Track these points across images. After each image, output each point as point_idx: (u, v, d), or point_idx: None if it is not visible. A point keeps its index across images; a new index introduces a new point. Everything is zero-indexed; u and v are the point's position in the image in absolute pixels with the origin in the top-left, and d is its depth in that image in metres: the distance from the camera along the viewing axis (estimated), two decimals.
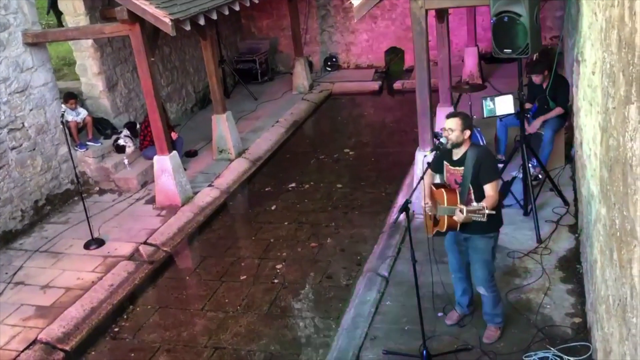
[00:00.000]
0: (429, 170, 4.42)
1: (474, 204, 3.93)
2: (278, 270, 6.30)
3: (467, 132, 4.19)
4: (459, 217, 3.98)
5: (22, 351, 5.27)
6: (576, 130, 6.00)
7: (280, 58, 13.35)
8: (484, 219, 3.84)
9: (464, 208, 3.91)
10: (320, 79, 12.58)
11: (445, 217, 4.15)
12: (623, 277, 2.72)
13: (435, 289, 4.56)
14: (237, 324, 5.53)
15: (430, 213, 4.32)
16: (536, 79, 6.80)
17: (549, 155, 6.82)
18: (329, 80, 12.50)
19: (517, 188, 6.37)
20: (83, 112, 8.50)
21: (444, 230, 4.22)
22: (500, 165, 6.65)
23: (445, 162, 4.34)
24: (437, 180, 4.53)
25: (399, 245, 6.06)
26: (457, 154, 4.25)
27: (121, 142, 8.58)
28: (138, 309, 6.00)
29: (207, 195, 7.95)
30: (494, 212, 3.93)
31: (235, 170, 8.66)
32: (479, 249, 4.32)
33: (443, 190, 4.22)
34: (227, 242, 7.09)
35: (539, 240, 5.71)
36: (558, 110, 6.80)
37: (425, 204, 4.31)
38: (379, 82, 12.25)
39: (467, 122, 4.23)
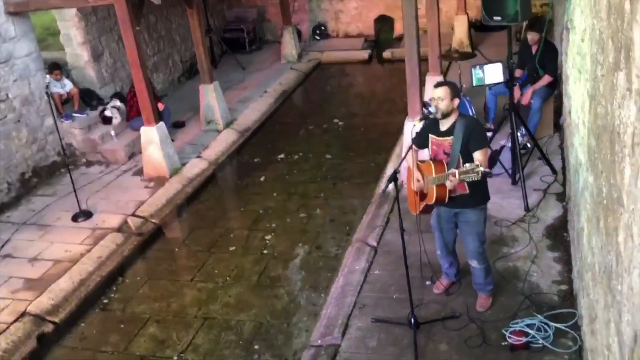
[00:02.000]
0: (413, 146, 4.39)
1: (466, 165, 3.88)
2: (267, 241, 6.30)
3: (456, 101, 4.16)
4: (452, 182, 3.94)
5: (12, 323, 5.26)
6: (565, 98, 5.98)
7: (268, 27, 13.17)
8: (479, 177, 3.79)
9: (456, 171, 3.87)
10: (308, 48, 12.44)
11: (434, 187, 4.13)
12: (609, 245, 2.72)
13: (423, 258, 4.56)
14: (227, 295, 5.55)
15: (417, 188, 4.29)
16: (532, 38, 6.69)
17: (538, 123, 6.80)
18: (318, 50, 12.37)
19: (506, 157, 6.36)
20: (69, 84, 8.36)
21: (433, 202, 4.19)
22: (489, 134, 6.63)
23: (430, 135, 4.29)
24: (424, 157, 4.49)
25: (388, 215, 6.07)
26: (445, 124, 4.21)
27: (107, 113, 8.47)
28: (127, 280, 5.99)
29: (195, 167, 7.90)
30: (489, 170, 3.90)
31: (223, 141, 8.60)
32: (471, 222, 4.32)
33: (430, 162, 4.20)
34: (216, 214, 7.07)
35: (527, 209, 5.73)
36: (547, 79, 6.76)
37: (416, 181, 4.27)
38: (369, 51, 12.13)
39: (456, 91, 4.19)
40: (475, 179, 3.80)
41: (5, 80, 7.33)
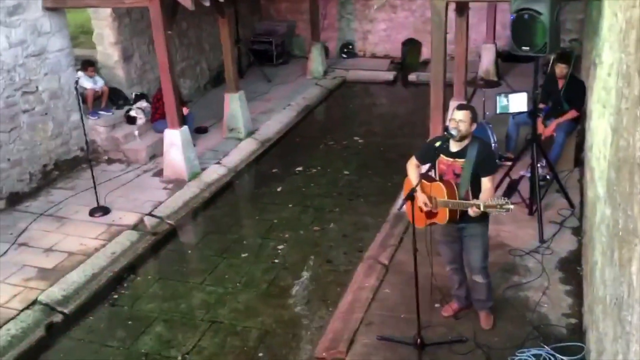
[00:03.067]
0: (414, 161, 4.44)
1: (493, 198, 3.96)
2: (279, 251, 6.35)
3: (474, 125, 4.24)
4: (475, 213, 4.02)
5: (22, 310, 5.35)
6: (587, 134, 6.00)
7: (297, 42, 13.33)
8: (508, 212, 3.89)
9: (481, 203, 3.95)
10: (335, 66, 12.55)
11: (447, 210, 4.18)
12: (622, 276, 2.74)
13: (434, 281, 4.59)
14: (235, 300, 5.59)
15: (426, 208, 4.32)
16: (561, 70, 6.71)
17: (559, 156, 6.81)
18: (344, 68, 12.48)
19: (524, 187, 6.36)
20: (100, 81, 8.54)
21: (445, 222, 4.25)
22: (509, 163, 6.65)
23: (441, 155, 4.33)
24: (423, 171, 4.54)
25: (402, 235, 6.09)
26: (458, 146, 4.28)
27: (132, 113, 8.62)
28: (138, 278, 6.07)
29: (214, 172, 7.99)
30: (512, 207, 3.95)
31: (243, 150, 8.70)
32: (477, 236, 4.37)
33: (440, 184, 4.25)
34: (231, 220, 7.14)
35: (542, 240, 5.73)
36: (572, 113, 6.78)
37: (425, 203, 4.29)
38: (394, 72, 12.20)
39: (476, 116, 4.30)
40: (504, 213, 3.88)
41: (36, 73, 7.52)
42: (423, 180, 4.33)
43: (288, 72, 12.21)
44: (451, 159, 4.29)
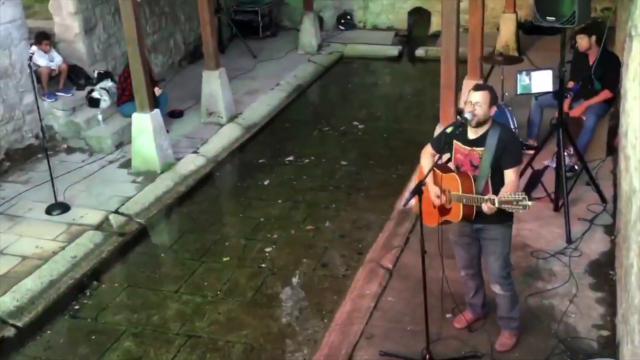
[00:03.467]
0: (430, 149, 4.43)
1: (510, 194, 3.94)
2: (267, 254, 6.35)
3: (493, 108, 4.21)
4: (489, 209, 4.00)
5: None
6: (622, 117, 6.00)
7: (287, 11, 13.29)
8: (525, 210, 3.88)
9: (496, 199, 3.93)
10: (330, 39, 12.53)
11: (461, 205, 4.17)
12: None
13: (445, 287, 4.59)
14: (216, 311, 5.59)
15: (438, 203, 4.32)
16: (581, 43, 6.71)
17: (589, 143, 6.82)
18: (341, 41, 12.46)
19: (548, 179, 6.37)
20: (58, 58, 8.48)
21: (458, 220, 4.23)
22: (531, 152, 6.65)
23: (456, 142, 4.33)
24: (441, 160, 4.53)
25: (408, 235, 6.09)
26: (476, 133, 4.25)
27: (95, 94, 8.58)
28: (103, 286, 6.05)
29: (190, 163, 7.97)
30: (530, 204, 3.93)
31: (225, 137, 8.68)
32: (496, 240, 4.35)
33: (455, 175, 4.23)
34: (211, 218, 7.13)
35: (569, 240, 5.74)
36: (605, 94, 6.78)
37: (437, 196, 4.30)
38: (399, 47, 12.19)
39: (495, 97, 4.26)
40: (520, 211, 3.86)
41: None
42: (437, 171, 4.32)
43: (276, 47, 12.15)
44: (468, 148, 4.28)
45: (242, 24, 12.32)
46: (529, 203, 3.82)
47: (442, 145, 4.33)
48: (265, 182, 7.76)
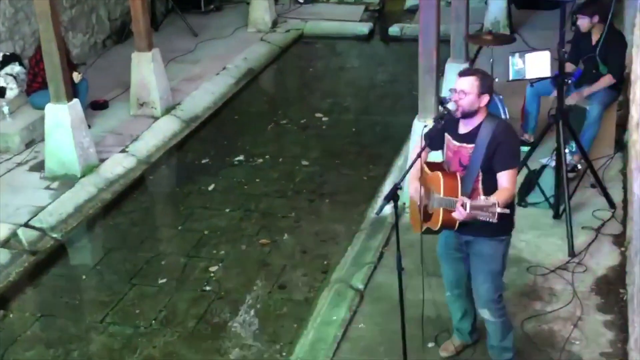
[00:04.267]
0: (422, 143, 4.45)
1: (482, 197, 3.95)
2: (212, 274, 6.32)
3: (485, 98, 4.22)
4: (459, 213, 4.00)
5: None
6: (632, 106, 6.11)
7: None
8: (494, 219, 3.87)
9: (467, 202, 3.93)
10: (287, 14, 12.55)
11: (441, 211, 4.18)
12: None
13: (427, 310, 4.60)
14: (150, 344, 5.53)
15: (419, 203, 4.34)
16: (582, 22, 6.85)
17: (594, 138, 6.93)
18: (301, 17, 12.47)
19: (547, 180, 6.46)
20: None
21: (437, 228, 4.25)
22: (527, 148, 6.73)
23: (447, 136, 4.36)
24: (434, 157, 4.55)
25: (382, 249, 6.12)
26: (466, 126, 4.28)
27: (0, 81, 8.44)
28: (11, 315, 5.96)
29: (118, 165, 7.90)
30: (507, 211, 3.97)
31: (160, 132, 8.62)
32: (485, 257, 4.38)
33: (440, 173, 4.24)
34: (143, 232, 7.08)
35: (572, 253, 5.82)
36: (608, 79, 6.90)
37: (414, 190, 4.33)
38: (370, 24, 12.26)
39: (486, 84, 4.25)
40: (490, 220, 3.88)
41: None
42: (426, 169, 4.35)
43: (222, 24, 12.12)
44: (457, 144, 4.30)
45: None
46: (498, 210, 3.83)
47: (439, 139, 4.36)
48: (210, 187, 7.72)
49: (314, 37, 12.11)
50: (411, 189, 4.42)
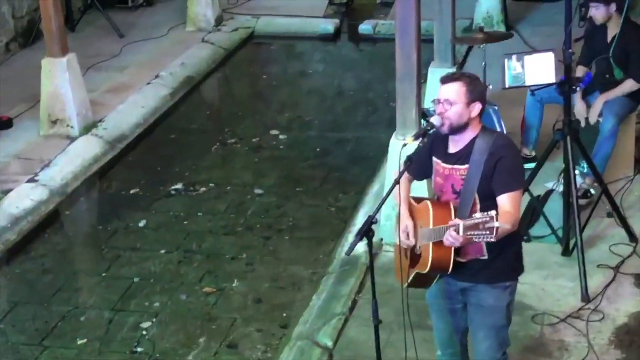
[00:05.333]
0: (406, 173, 4.45)
1: (476, 215, 3.92)
2: (144, 332, 6.26)
3: (476, 106, 4.22)
4: (452, 237, 3.97)
5: None
6: None
7: None
8: (492, 238, 3.85)
9: (460, 224, 3.90)
10: (235, 9, 12.57)
11: (430, 247, 4.18)
12: None
13: None
14: None
15: (405, 245, 4.34)
16: (597, 13, 6.87)
17: (609, 156, 7.00)
18: (251, 12, 12.50)
19: (554, 208, 6.51)
20: None
21: (427, 271, 4.24)
22: (528, 166, 6.78)
23: (435, 159, 4.37)
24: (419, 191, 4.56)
25: (354, 297, 6.11)
26: (457, 144, 4.28)
27: None
28: None
29: (25, 197, 7.84)
30: (508, 227, 3.94)
31: (78, 157, 8.55)
32: (486, 308, 4.36)
33: (428, 202, 4.25)
34: (57, 280, 6.99)
35: (586, 298, 5.84)
36: (630, 85, 6.95)
37: (403, 232, 4.32)
38: (336, 20, 12.30)
39: (477, 91, 4.26)
40: (489, 239, 3.86)
41: None
42: (412, 201, 4.37)
43: (154, 21, 12.13)
44: (448, 166, 4.31)
45: None
46: (496, 224, 3.78)
47: (426, 163, 4.37)
48: (141, 224, 7.68)
49: (267, 37, 12.15)
50: (402, 230, 4.35)
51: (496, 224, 3.75)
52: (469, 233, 3.84)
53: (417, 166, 4.41)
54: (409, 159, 4.34)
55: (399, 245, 4.45)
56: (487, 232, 3.77)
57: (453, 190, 4.27)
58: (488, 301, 4.34)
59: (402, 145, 4.45)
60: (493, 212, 3.82)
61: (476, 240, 3.88)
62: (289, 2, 12.87)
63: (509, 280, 4.37)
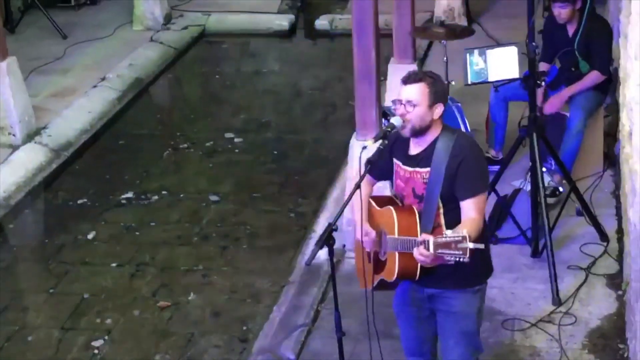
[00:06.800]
0: (367, 176, 4.45)
1: (447, 232, 3.95)
2: (96, 351, 6.22)
3: (438, 108, 4.24)
4: (422, 256, 3.99)
5: None
6: (622, 112, 6.23)
7: None
8: (466, 258, 3.87)
9: (430, 240, 3.92)
10: (184, 6, 12.55)
11: (397, 256, 4.19)
12: None
13: None
14: None
15: (369, 249, 4.34)
16: (560, 12, 6.96)
17: (577, 152, 7.06)
18: (202, 9, 12.51)
19: (522, 208, 6.55)
20: None
21: (394, 279, 4.25)
22: (495, 168, 6.82)
23: (395, 160, 4.38)
24: (384, 191, 4.56)
25: (317, 307, 6.11)
26: (418, 146, 4.29)
27: None
28: None
29: None
30: (481, 247, 3.98)
31: (20, 166, 8.49)
32: (456, 314, 4.37)
33: (392, 209, 4.26)
34: (2, 298, 6.89)
35: (557, 301, 5.88)
36: (594, 77, 7.04)
37: (364, 235, 4.33)
38: (291, 16, 12.34)
39: (439, 92, 4.28)
40: (461, 260, 3.87)
41: None
42: (372, 204, 4.37)
43: (99, 20, 12.06)
44: (409, 169, 4.32)
45: None
46: (469, 245, 3.81)
47: (387, 165, 4.37)
48: (90, 236, 7.62)
49: (219, 35, 12.16)
50: (358, 233, 4.39)
51: (470, 245, 3.77)
52: (439, 251, 3.86)
53: (377, 168, 4.40)
54: (370, 161, 4.34)
55: (361, 248, 4.45)
56: (460, 252, 3.80)
57: (414, 193, 4.28)
58: (458, 307, 4.36)
59: (362, 147, 4.44)
60: (465, 232, 3.84)
61: (447, 259, 3.88)
62: None
63: (478, 284, 4.39)
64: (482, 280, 4.42)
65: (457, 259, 3.86)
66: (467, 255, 3.79)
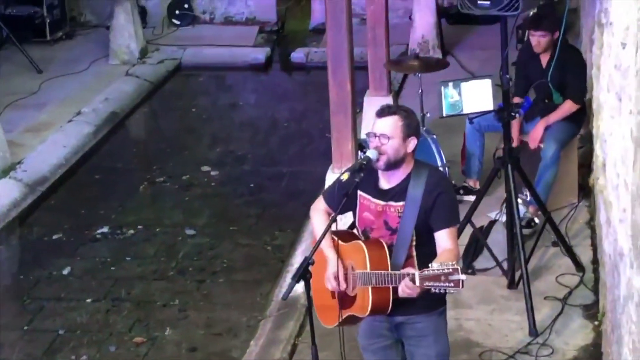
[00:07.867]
0: (322, 205, 4.48)
1: (434, 265, 3.94)
2: None
3: (412, 142, 4.25)
4: (408, 288, 3.98)
5: None
6: (597, 143, 6.26)
7: (88, 0, 13.22)
8: (459, 289, 3.87)
9: (416, 273, 3.93)
10: (161, 40, 12.61)
11: (370, 290, 4.17)
12: None
13: None
14: None
15: (333, 287, 4.32)
16: (539, 41, 6.99)
17: (553, 183, 7.08)
18: (178, 43, 12.56)
19: (498, 239, 6.56)
20: None
21: (366, 314, 4.23)
22: (471, 199, 6.83)
23: (361, 194, 4.36)
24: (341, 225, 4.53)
25: (294, 341, 6.08)
26: (390, 180, 4.30)
27: None
28: None
29: None
30: (464, 278, 3.96)
31: None
32: (428, 338, 4.37)
33: (362, 244, 4.25)
34: None
35: (534, 332, 5.87)
36: (568, 107, 7.08)
37: (331, 277, 4.30)
38: (266, 49, 12.39)
39: (413, 126, 4.29)
40: (452, 291, 3.88)
41: None
42: (335, 240, 4.34)
43: (75, 55, 12.09)
44: (382, 202, 4.31)
45: (17, 21, 12.14)
46: (462, 277, 3.82)
47: (339, 198, 4.34)
48: (65, 271, 7.56)
49: (195, 68, 12.17)
50: (331, 276, 4.32)
51: (462, 277, 3.78)
52: (427, 284, 3.87)
53: (338, 200, 4.35)
54: (325, 194, 4.36)
55: (320, 284, 4.40)
56: (452, 284, 3.81)
57: (387, 226, 4.28)
58: (427, 330, 4.37)
59: (337, 180, 4.46)
60: (454, 264, 3.86)
61: (436, 291, 3.89)
62: (217, 31, 12.98)
63: (442, 306, 4.42)
64: (444, 301, 4.42)
65: (448, 291, 3.88)
66: (461, 286, 3.81)
